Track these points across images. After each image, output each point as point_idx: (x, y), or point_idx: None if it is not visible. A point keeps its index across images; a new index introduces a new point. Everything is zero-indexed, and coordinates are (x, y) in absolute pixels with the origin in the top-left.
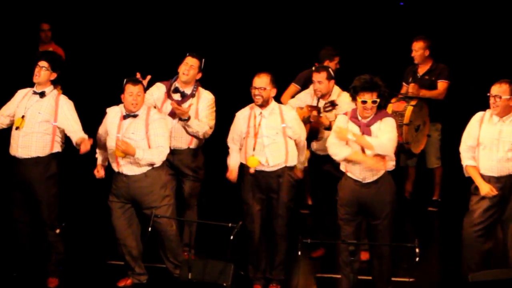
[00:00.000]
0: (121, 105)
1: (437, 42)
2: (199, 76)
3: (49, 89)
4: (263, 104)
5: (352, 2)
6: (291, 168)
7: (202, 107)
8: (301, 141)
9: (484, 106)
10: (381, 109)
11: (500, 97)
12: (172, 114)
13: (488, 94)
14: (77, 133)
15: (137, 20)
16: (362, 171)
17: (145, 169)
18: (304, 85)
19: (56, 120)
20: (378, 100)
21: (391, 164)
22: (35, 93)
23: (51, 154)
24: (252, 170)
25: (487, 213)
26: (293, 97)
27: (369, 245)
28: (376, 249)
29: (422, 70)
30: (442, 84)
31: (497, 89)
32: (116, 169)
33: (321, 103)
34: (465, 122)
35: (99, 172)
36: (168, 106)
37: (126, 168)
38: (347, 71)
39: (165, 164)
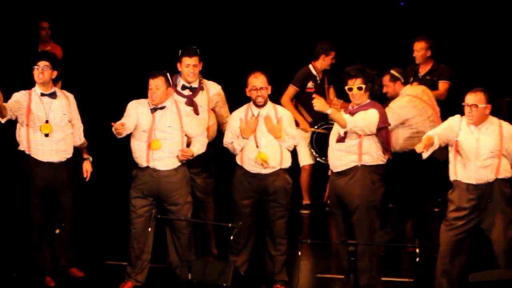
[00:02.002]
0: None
1: (437, 43)
2: (200, 66)
3: (54, 89)
4: (264, 104)
5: (353, 2)
6: (286, 171)
7: (213, 99)
8: (292, 144)
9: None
10: (375, 100)
11: (477, 106)
12: None
13: (463, 104)
14: (80, 128)
15: (135, 18)
16: (331, 157)
17: (176, 164)
18: (302, 86)
19: (72, 117)
20: (363, 86)
21: (367, 158)
22: (43, 95)
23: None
24: (264, 165)
25: (461, 220)
26: (292, 99)
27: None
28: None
29: (423, 70)
30: (443, 85)
31: (473, 98)
32: (144, 164)
33: None
34: None
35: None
36: (180, 102)
37: (158, 162)
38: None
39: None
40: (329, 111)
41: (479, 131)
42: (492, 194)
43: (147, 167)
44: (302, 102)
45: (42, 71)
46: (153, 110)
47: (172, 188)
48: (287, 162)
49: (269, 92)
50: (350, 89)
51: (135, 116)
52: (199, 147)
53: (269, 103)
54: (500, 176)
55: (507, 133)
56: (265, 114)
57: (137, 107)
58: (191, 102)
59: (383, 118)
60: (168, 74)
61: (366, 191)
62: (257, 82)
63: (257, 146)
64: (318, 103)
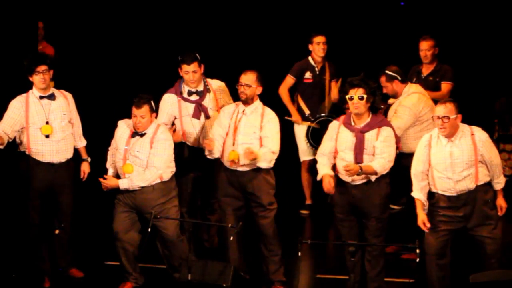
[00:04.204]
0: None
1: (437, 43)
2: (202, 69)
3: (53, 90)
4: (247, 101)
5: (353, 2)
6: (268, 171)
7: (219, 96)
8: (269, 149)
9: (484, 106)
10: (377, 113)
11: (449, 118)
12: (196, 114)
13: (433, 116)
14: (79, 128)
15: (130, 19)
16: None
17: (153, 182)
18: (299, 76)
19: (72, 117)
20: (365, 96)
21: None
22: (42, 97)
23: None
24: (231, 163)
25: (445, 224)
26: (289, 89)
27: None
28: (369, 250)
29: (426, 70)
30: (446, 86)
31: (444, 110)
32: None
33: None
34: (467, 124)
35: (107, 181)
36: (189, 108)
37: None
38: (347, 71)
39: (174, 176)
40: (360, 171)
41: (452, 144)
42: (475, 200)
43: None
44: (300, 92)
45: (43, 76)
46: (134, 134)
47: (148, 204)
48: (266, 163)
49: (258, 92)
50: (351, 98)
51: (114, 152)
52: (131, 179)
53: (259, 103)
54: (480, 183)
55: (480, 141)
56: (249, 112)
57: (116, 134)
58: (199, 107)
59: (393, 131)
60: (152, 101)
61: (385, 198)
62: (244, 78)
63: (234, 144)
64: (349, 171)
